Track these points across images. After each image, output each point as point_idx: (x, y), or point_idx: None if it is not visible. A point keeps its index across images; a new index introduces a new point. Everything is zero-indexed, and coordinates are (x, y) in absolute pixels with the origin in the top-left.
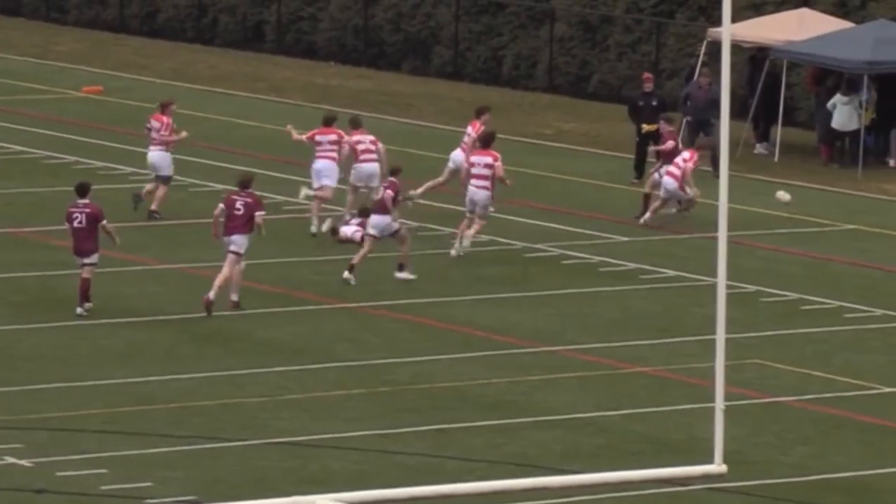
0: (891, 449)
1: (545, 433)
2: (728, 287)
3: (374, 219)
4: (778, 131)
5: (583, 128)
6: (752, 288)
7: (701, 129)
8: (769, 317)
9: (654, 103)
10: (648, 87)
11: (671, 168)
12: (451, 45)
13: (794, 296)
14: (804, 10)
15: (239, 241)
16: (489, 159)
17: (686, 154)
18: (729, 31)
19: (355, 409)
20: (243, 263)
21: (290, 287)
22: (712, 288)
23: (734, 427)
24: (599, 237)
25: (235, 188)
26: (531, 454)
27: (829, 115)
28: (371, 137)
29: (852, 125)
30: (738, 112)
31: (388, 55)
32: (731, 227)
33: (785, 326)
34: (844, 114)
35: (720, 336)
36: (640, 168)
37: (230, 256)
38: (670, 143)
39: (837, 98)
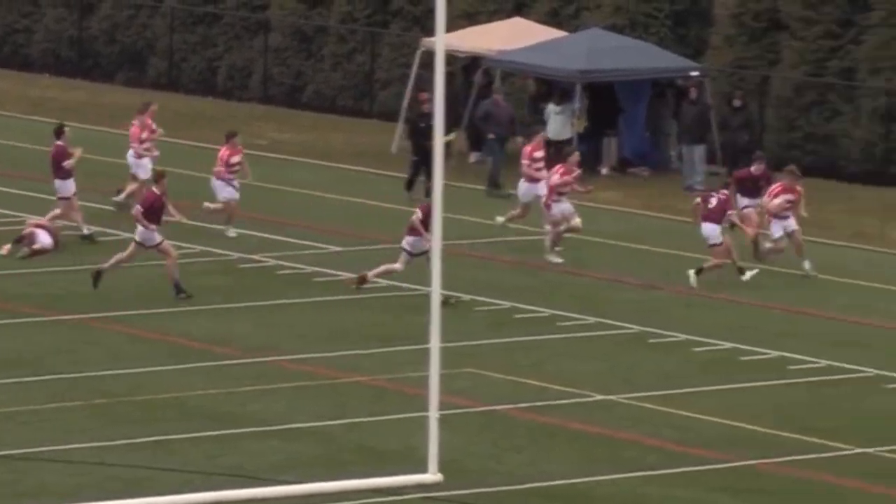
0: (604, 456)
1: (262, 443)
2: (443, 296)
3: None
4: None
5: (297, 138)
6: (466, 297)
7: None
8: (483, 325)
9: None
10: (427, 107)
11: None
12: (166, 57)
13: (507, 304)
14: (518, 19)
15: None
16: None
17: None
18: (443, 41)
19: (72, 421)
20: None
21: (3, 299)
22: (427, 297)
23: (449, 436)
24: (313, 247)
25: None
26: (248, 465)
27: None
28: None
29: (566, 134)
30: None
31: (103, 66)
32: (445, 237)
33: (499, 335)
34: (558, 123)
35: (434, 345)
36: (410, 185)
37: None
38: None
39: (551, 107)
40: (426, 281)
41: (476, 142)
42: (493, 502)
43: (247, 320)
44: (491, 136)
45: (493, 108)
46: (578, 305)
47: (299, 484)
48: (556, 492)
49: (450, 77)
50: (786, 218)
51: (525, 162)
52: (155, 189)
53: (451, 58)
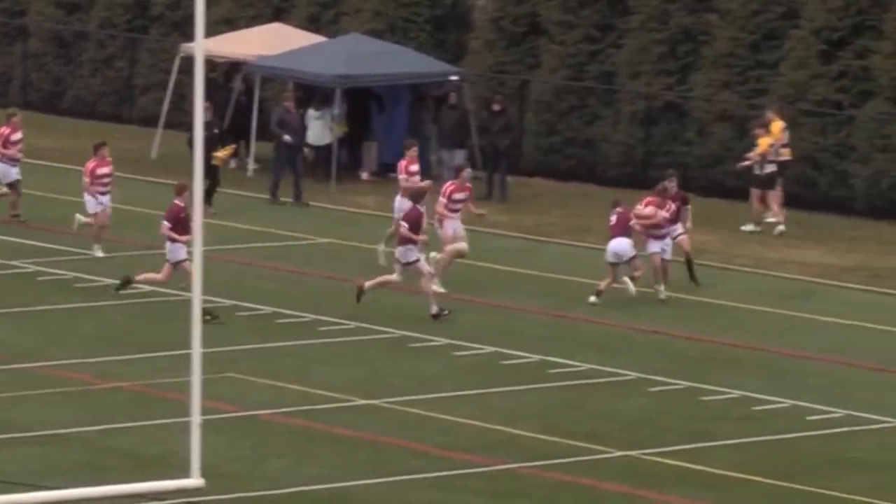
0: (367, 461)
1: (22, 449)
2: (204, 301)
3: None
4: (252, 146)
5: (56, 143)
6: (228, 302)
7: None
8: (245, 330)
9: (216, 131)
10: (208, 115)
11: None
12: None
13: (269, 309)
14: (277, 25)
15: None
16: None
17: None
18: (202, 47)
19: None
20: None
21: None
22: (188, 303)
23: (211, 441)
24: (73, 253)
25: None
26: (8, 471)
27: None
28: None
29: (325, 139)
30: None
31: None
32: (205, 242)
33: (260, 340)
34: (318, 128)
35: (196, 350)
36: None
37: None
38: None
39: (311, 112)
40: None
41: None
42: None
43: (7, 326)
44: (287, 138)
45: (286, 115)
46: (340, 310)
47: (60, 490)
48: (317, 496)
49: (227, 87)
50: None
51: (402, 176)
52: (178, 202)
53: (211, 63)
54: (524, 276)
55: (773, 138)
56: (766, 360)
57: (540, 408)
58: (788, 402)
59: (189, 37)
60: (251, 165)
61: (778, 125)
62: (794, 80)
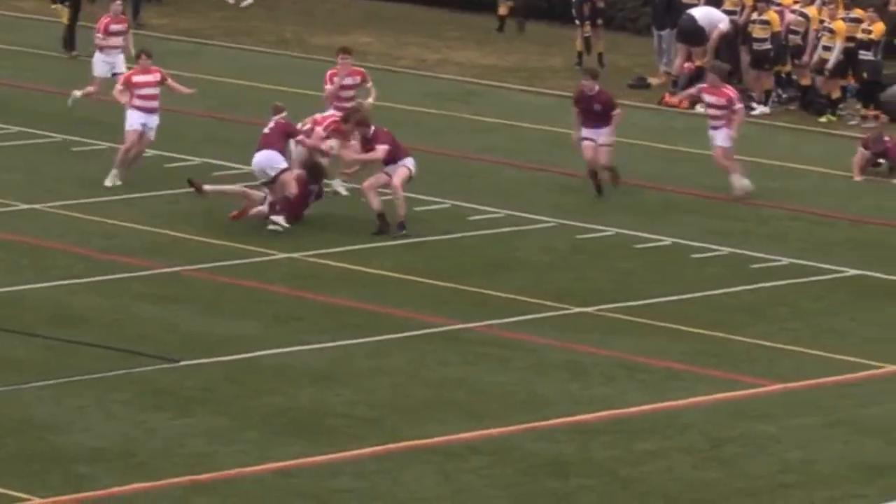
0: (31, 265)
1: None
2: None
3: None
4: None
5: None
6: None
7: None
8: None
9: None
10: None
11: None
12: None
13: None
14: None
15: None
16: None
17: None
18: None
19: None
20: None
21: None
22: None
23: None
24: None
25: None
26: None
27: None
28: None
29: None
30: None
31: None
32: None
33: None
34: None
35: None
36: None
37: None
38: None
39: None
40: None
41: None
42: None
43: None
44: None
45: None
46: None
47: None
48: None
49: None
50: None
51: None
52: None
53: None
54: (188, 79)
55: None
56: (428, 161)
57: (203, 210)
58: (449, 203)
59: None
60: None
61: None
62: None
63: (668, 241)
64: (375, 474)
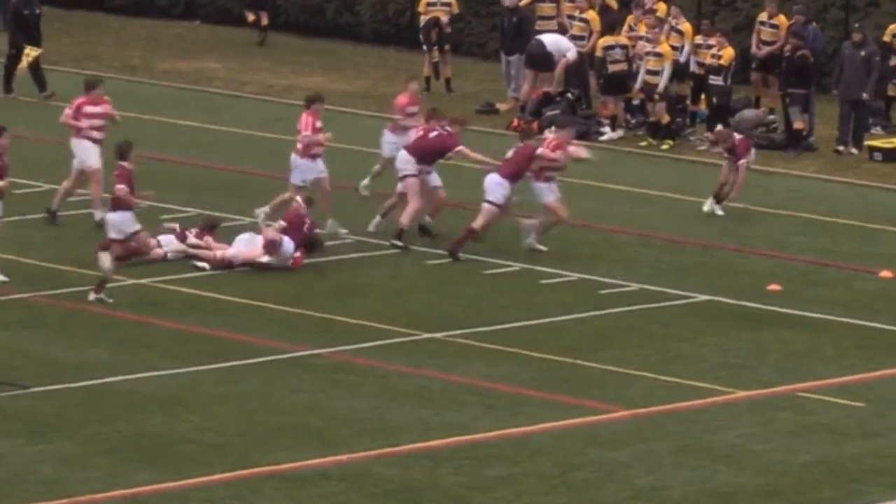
0: None
1: None
2: None
3: None
4: None
5: None
6: None
7: None
8: None
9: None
10: None
11: None
12: None
13: None
14: None
15: None
16: None
17: None
18: None
19: None
20: None
21: None
22: None
23: None
24: None
25: None
26: None
27: None
28: None
29: None
30: None
31: None
32: None
33: None
34: None
35: None
36: None
37: None
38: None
39: None
40: None
41: None
42: None
43: None
44: None
45: None
46: None
47: None
48: None
49: None
50: None
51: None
52: None
53: None
54: (35, 105)
55: None
56: (277, 187)
57: (53, 237)
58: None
59: None
60: None
61: None
62: None
63: (517, 266)
64: (225, 500)
